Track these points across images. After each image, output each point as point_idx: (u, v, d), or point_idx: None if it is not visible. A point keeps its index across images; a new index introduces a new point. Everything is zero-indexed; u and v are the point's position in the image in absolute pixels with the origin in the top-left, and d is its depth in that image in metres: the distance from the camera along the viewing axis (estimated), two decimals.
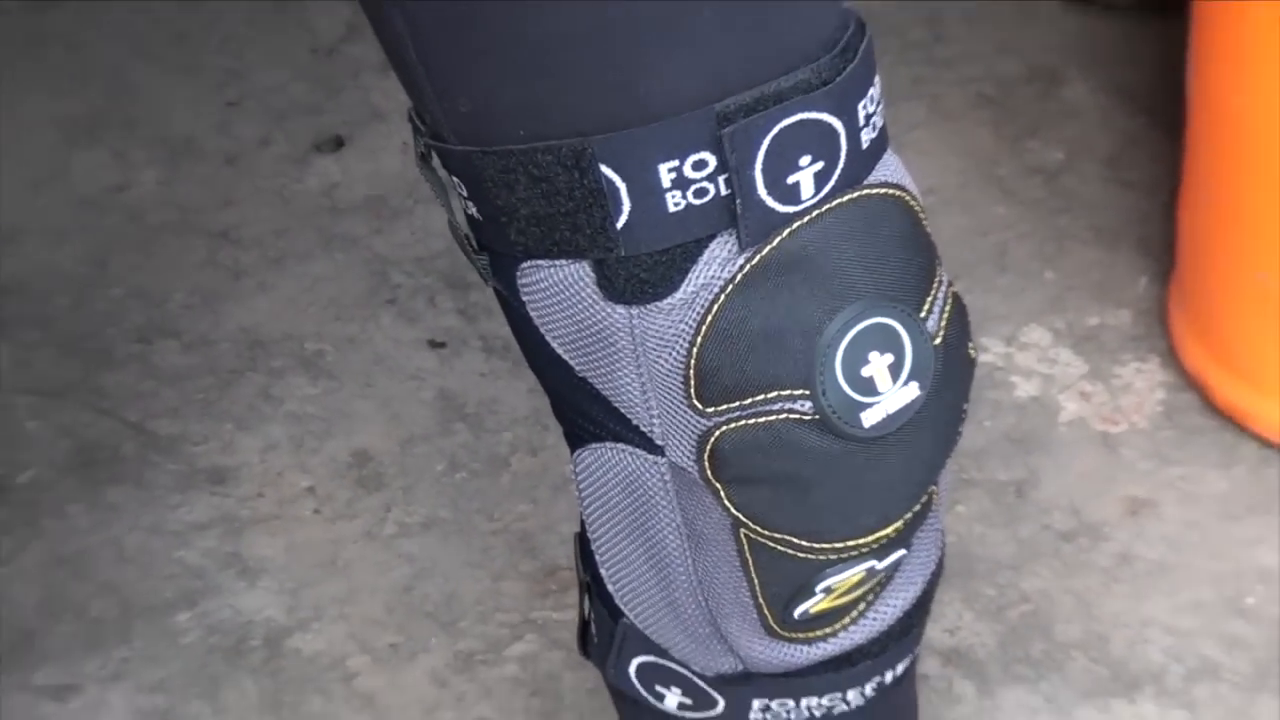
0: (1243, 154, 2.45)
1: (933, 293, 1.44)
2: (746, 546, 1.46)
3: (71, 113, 2.77)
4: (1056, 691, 2.20)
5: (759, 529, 1.43)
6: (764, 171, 1.36)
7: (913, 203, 1.45)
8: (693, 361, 1.40)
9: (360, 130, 2.71)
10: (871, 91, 1.41)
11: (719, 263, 1.37)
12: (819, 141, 1.38)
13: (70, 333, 2.51)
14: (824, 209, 1.38)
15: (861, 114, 1.40)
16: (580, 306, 1.42)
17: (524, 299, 1.44)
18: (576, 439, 1.50)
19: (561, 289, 1.42)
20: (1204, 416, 2.44)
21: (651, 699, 1.61)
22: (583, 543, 1.58)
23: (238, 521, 2.38)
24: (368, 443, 2.45)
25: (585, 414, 1.48)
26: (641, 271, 1.39)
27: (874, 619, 1.53)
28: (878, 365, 1.41)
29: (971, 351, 1.50)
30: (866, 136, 1.40)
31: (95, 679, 2.24)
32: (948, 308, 1.47)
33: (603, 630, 1.61)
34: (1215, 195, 2.43)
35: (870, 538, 1.45)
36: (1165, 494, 2.36)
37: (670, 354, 1.40)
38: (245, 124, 2.74)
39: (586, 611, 1.62)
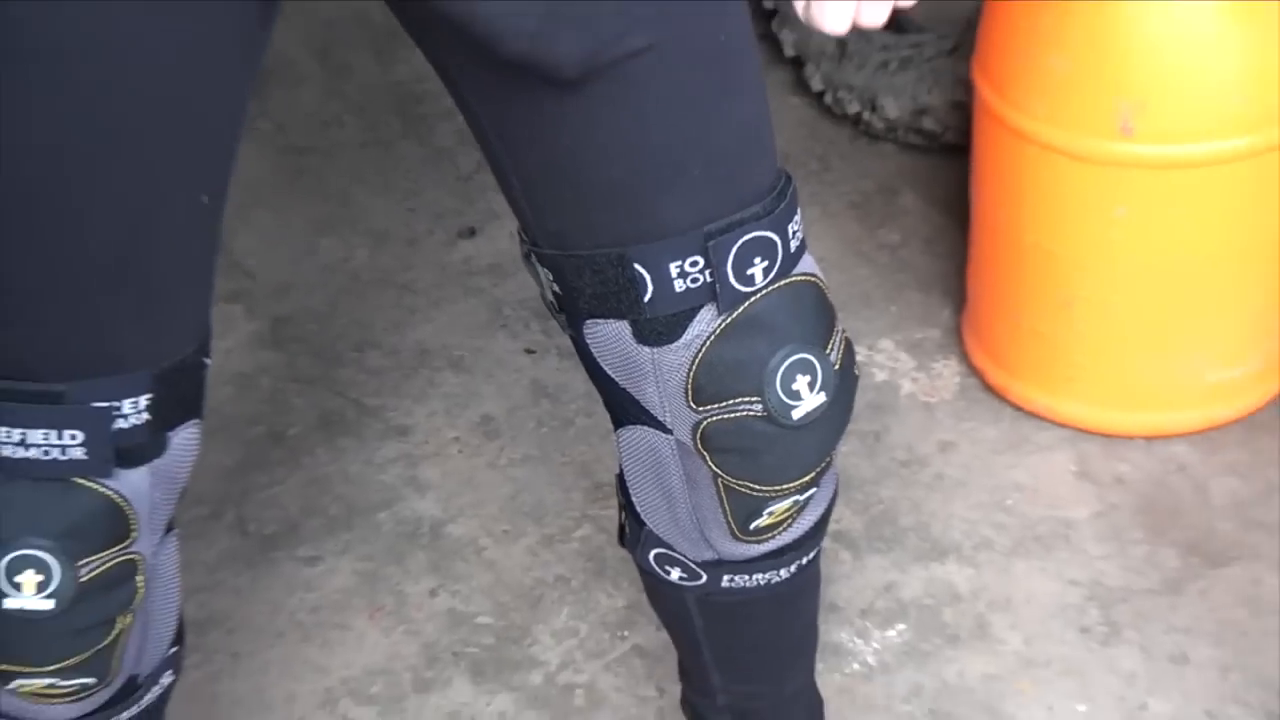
0: (999, 238, 2.42)
1: (834, 338, 1.47)
2: (721, 488, 1.50)
3: (318, 215, 2.79)
4: (899, 557, 2.25)
5: (729, 478, 1.48)
6: (733, 268, 1.40)
7: (820, 284, 1.48)
8: (690, 381, 1.43)
9: (486, 225, 2.74)
10: (796, 217, 1.45)
11: (705, 322, 1.41)
12: (766, 249, 1.42)
13: (318, 346, 2.58)
14: (769, 290, 1.42)
15: (790, 231, 1.43)
16: (622, 347, 1.46)
17: (588, 341, 1.48)
18: (619, 421, 1.53)
19: (611, 337, 1.46)
20: (982, 393, 2.51)
21: (662, 573, 1.63)
22: (621, 480, 1.59)
23: (414, 458, 2.44)
24: (490, 410, 2.50)
25: (624, 408, 1.51)
26: (659, 326, 1.42)
27: (796, 529, 1.57)
28: (801, 383, 1.43)
29: (856, 372, 1.53)
30: (794, 245, 1.43)
31: (331, 552, 2.31)
32: (843, 347, 1.49)
33: (633, 532, 1.63)
34: (987, 262, 2.47)
35: (795, 483, 1.50)
36: (961, 439, 2.43)
37: (676, 376, 1.44)
38: (419, 221, 2.78)
39: (622, 519, 1.64)
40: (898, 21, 2.95)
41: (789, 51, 3.00)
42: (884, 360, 2.55)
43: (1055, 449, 2.41)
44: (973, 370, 2.54)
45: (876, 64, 2.88)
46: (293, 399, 2.55)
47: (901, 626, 2.19)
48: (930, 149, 2.85)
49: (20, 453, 1.33)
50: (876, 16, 1.31)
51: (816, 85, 2.96)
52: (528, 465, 2.44)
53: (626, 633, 2.19)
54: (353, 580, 2.29)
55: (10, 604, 1.35)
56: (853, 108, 2.90)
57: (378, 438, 2.50)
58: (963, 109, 2.63)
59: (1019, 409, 2.47)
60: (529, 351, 2.62)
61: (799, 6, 1.32)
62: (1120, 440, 2.41)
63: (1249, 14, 2.21)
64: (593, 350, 1.49)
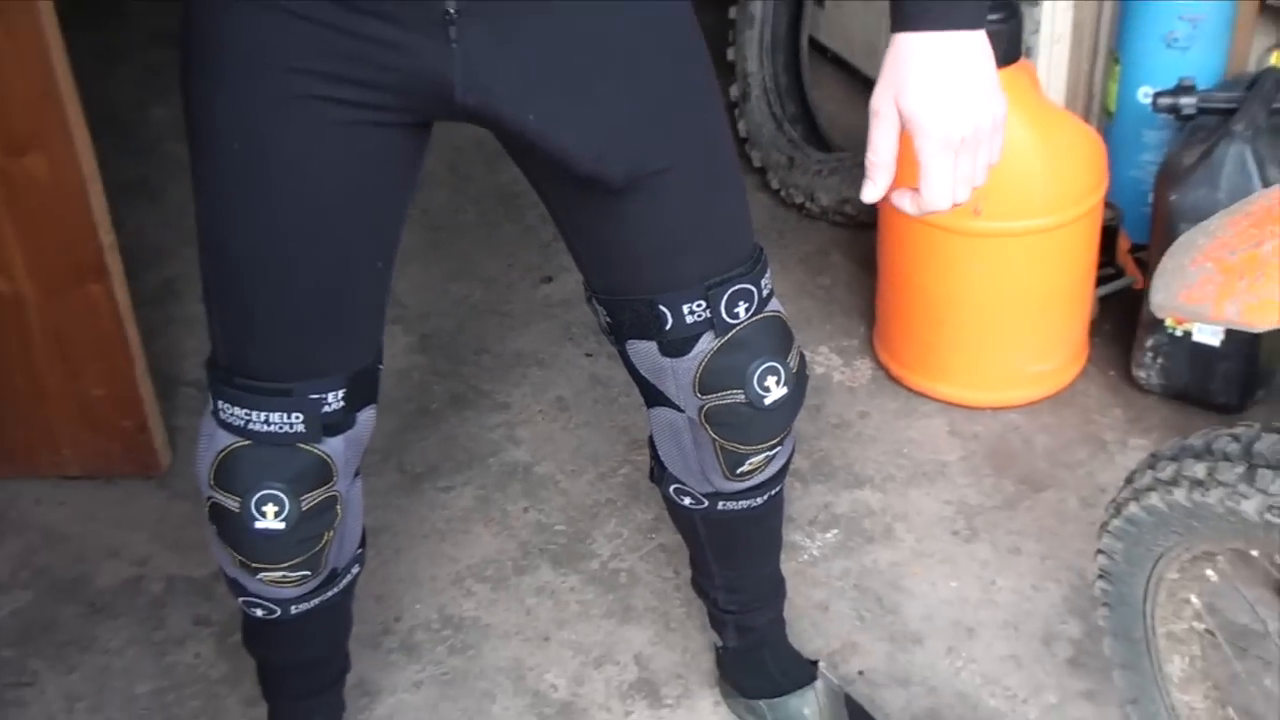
0: (897, 281, 2.38)
1: (792, 351, 1.46)
2: (718, 448, 1.48)
3: (449, 268, 2.74)
4: (833, 486, 2.23)
5: (722, 441, 1.47)
6: (724, 308, 1.39)
7: (782, 317, 1.47)
8: (696, 381, 1.42)
9: (559, 274, 2.71)
10: (767, 274, 1.44)
11: (706, 342, 1.41)
12: (747, 295, 1.41)
13: (450, 351, 2.55)
14: (749, 321, 1.41)
15: (763, 284, 1.43)
16: (651, 359, 1.45)
17: (629, 354, 1.47)
18: (649, 403, 1.51)
19: (644, 352, 1.45)
20: (886, 381, 2.48)
21: (677, 500, 1.61)
22: (651, 440, 1.58)
23: (512, 424, 2.41)
24: (562, 393, 2.48)
25: (653, 395, 1.49)
26: (676, 346, 1.42)
27: (767, 472, 1.55)
28: (770, 381, 1.42)
29: (806, 373, 1.51)
30: (765, 292, 1.43)
31: (459, 484, 2.29)
32: (798, 357, 1.48)
33: (658, 472, 1.61)
34: (889, 296, 2.42)
35: (766, 444, 1.48)
36: (873, 411, 2.40)
37: (687, 377, 1.43)
38: (514, 272, 2.74)
39: (652, 464, 1.62)
40: (827, 143, 2.98)
41: (756, 164, 2.97)
42: (821, 360, 2.54)
43: (934, 416, 2.40)
44: (880, 365, 2.52)
45: (814, 171, 2.86)
46: (433, 385, 2.53)
47: (835, 531, 2.18)
48: (850, 225, 2.81)
49: (264, 427, 1.35)
50: (964, 195, 1.27)
51: (774, 185, 2.93)
52: (587, 428, 2.41)
53: (654, 535, 2.17)
54: (472, 502, 2.27)
55: (259, 525, 1.38)
56: (798, 199, 2.88)
57: (489, 410, 2.47)
58: None
59: (911, 390, 2.45)
60: (588, 355, 2.59)
61: (903, 202, 1.29)
62: (976, 410, 2.39)
63: (1049, 131, 2.22)
64: (632, 360, 1.48)
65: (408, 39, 1.19)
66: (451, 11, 1.18)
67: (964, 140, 1.23)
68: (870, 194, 1.27)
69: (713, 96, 1.39)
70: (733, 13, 2.99)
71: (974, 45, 1.21)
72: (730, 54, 2.99)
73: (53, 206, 2.05)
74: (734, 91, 3.01)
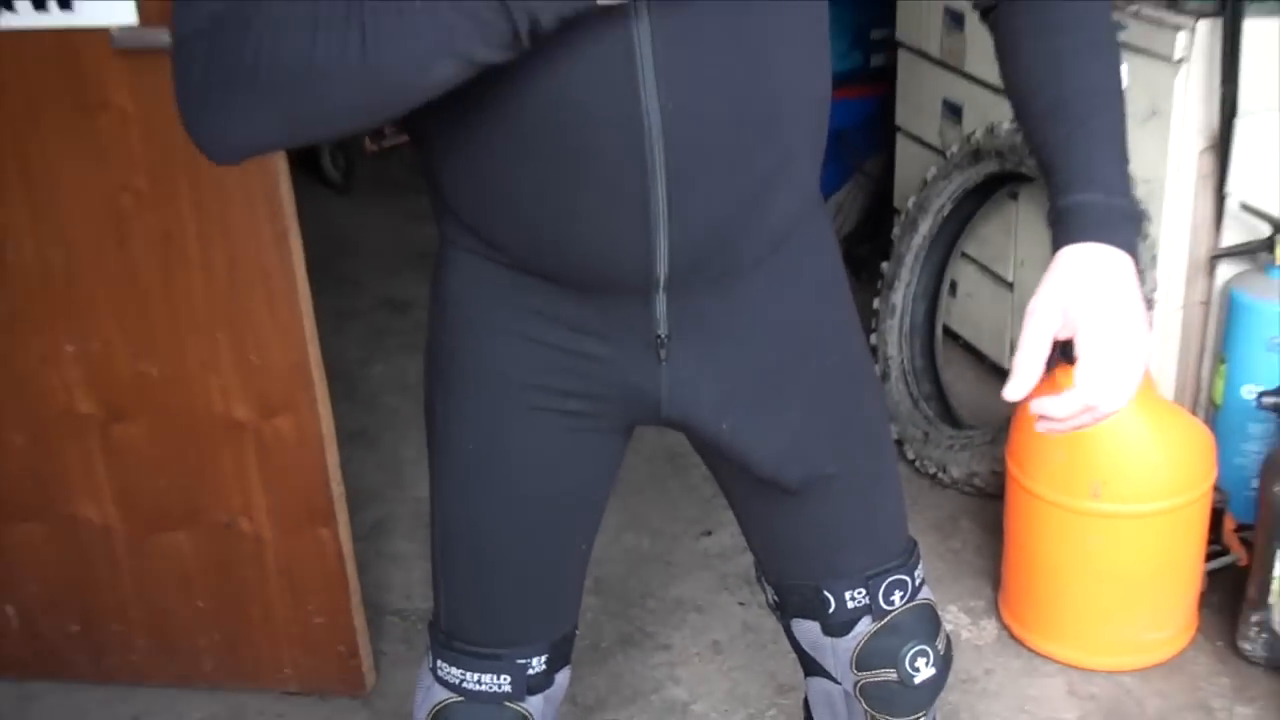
0: (1021, 550, 2.36)
1: (940, 636, 1.43)
2: (870, 718, 1.45)
3: (620, 520, 2.68)
4: None
5: (874, 713, 1.44)
6: (882, 596, 1.38)
7: (933, 604, 1.44)
8: (854, 659, 1.40)
9: (717, 529, 2.66)
10: (920, 567, 1.42)
11: (864, 625, 1.39)
12: (902, 585, 1.40)
13: (619, 594, 2.50)
14: (903, 609, 1.39)
15: (916, 575, 1.40)
16: (814, 637, 1.44)
17: (793, 630, 1.46)
18: (808, 671, 1.49)
19: (808, 630, 1.43)
20: (1010, 641, 2.43)
21: None
22: (806, 704, 1.55)
23: (673, 663, 2.37)
24: (718, 636, 2.44)
25: (811, 666, 1.48)
26: (837, 628, 1.41)
27: None
28: (920, 663, 1.40)
29: (952, 654, 1.47)
30: (918, 582, 1.40)
31: (624, 719, 2.27)
32: (945, 641, 1.44)
33: None
34: (1014, 564, 2.41)
35: (913, 717, 1.44)
36: (997, 668, 2.35)
37: (846, 655, 1.40)
38: (679, 525, 2.71)
39: None
40: (958, 420, 3.00)
41: (894, 436, 2.87)
42: (950, 619, 2.49)
43: (1054, 676, 2.35)
44: (1004, 626, 2.47)
45: (946, 445, 2.87)
46: (604, 625, 2.52)
47: None
48: (979, 495, 2.79)
49: (476, 686, 1.37)
50: (1121, 402, 1.15)
51: (910, 456, 2.94)
52: (740, 671, 2.39)
53: None
54: None
55: None
56: (931, 469, 2.88)
57: (652, 650, 2.47)
58: (999, 475, 2.55)
59: (1032, 651, 2.41)
60: (740, 603, 2.57)
61: (1044, 404, 1.16)
62: (1092, 673, 2.34)
63: (1163, 424, 2.22)
64: (796, 635, 1.47)
65: (624, 360, 1.24)
66: (662, 335, 1.22)
67: (1122, 340, 1.13)
68: (1013, 391, 1.14)
69: (876, 402, 1.41)
70: (876, 304, 3.08)
71: (1129, 264, 1.15)
72: (874, 339, 3.07)
73: (294, 460, 2.12)
74: (876, 371, 3.05)
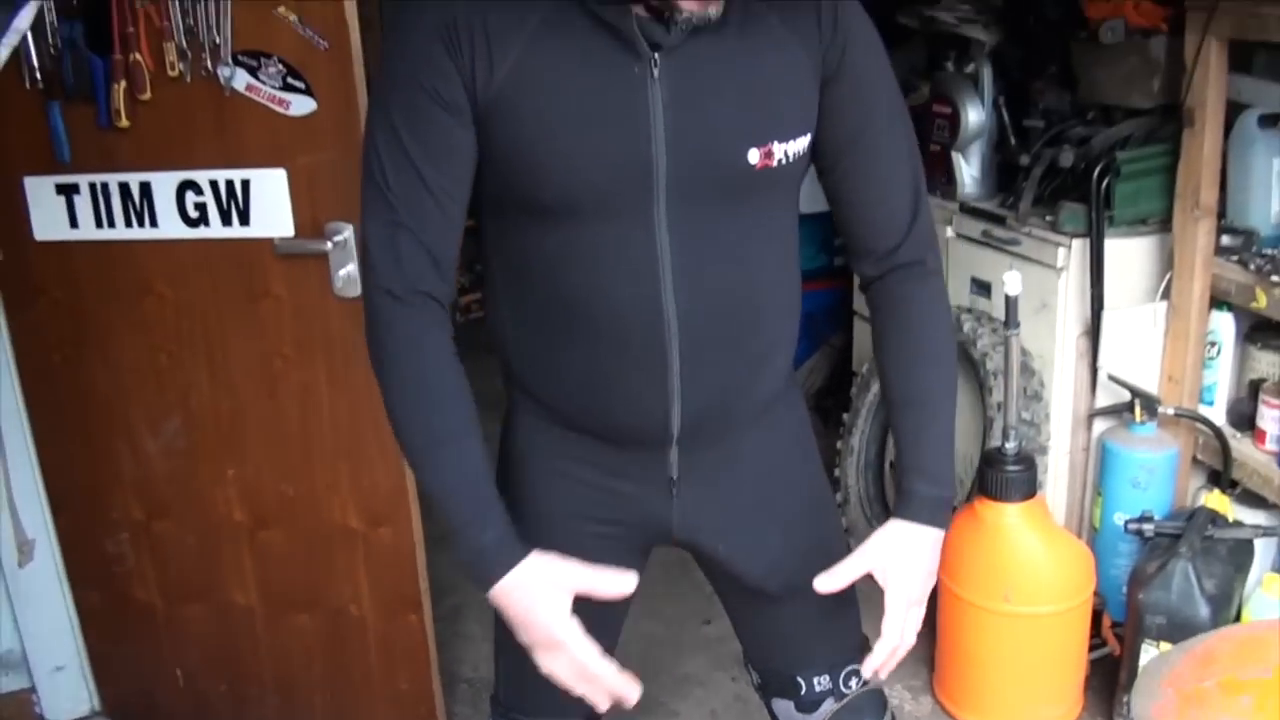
0: (949, 645, 2.32)
1: (887, 713, 1.40)
2: None
3: (637, 610, 2.76)
4: None
5: None
6: (842, 682, 1.34)
7: (883, 689, 1.39)
8: None
9: (715, 619, 2.55)
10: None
11: (828, 704, 1.36)
12: (858, 675, 1.34)
13: (636, 669, 2.55)
14: (861, 692, 1.33)
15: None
16: (789, 711, 1.40)
17: (773, 707, 1.41)
18: None
19: (784, 707, 1.39)
20: (942, 714, 2.40)
21: None
22: None
23: None
24: (714, 706, 2.38)
25: None
26: (808, 706, 1.38)
27: None
28: None
29: None
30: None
31: None
32: (890, 717, 1.41)
33: None
34: (943, 656, 2.37)
35: None
36: None
37: None
38: (683, 616, 2.60)
39: None
40: None
41: (851, 549, 2.95)
42: (895, 695, 2.45)
43: None
44: (938, 701, 2.43)
45: None
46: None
47: None
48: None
49: None
50: (911, 640, 1.22)
51: None
52: None
53: None
54: None
55: None
56: None
57: (664, 715, 2.40)
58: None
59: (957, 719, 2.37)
60: (733, 679, 2.51)
61: (883, 655, 1.20)
62: None
63: (1056, 544, 2.19)
64: (775, 711, 1.44)
65: (646, 496, 1.26)
66: (674, 478, 1.24)
67: (916, 601, 1.23)
68: (822, 584, 1.18)
69: (837, 526, 1.40)
70: (839, 445, 3.14)
71: (939, 537, 1.23)
72: (837, 473, 3.12)
73: (392, 560, 2.13)
74: (839, 497, 3.11)
